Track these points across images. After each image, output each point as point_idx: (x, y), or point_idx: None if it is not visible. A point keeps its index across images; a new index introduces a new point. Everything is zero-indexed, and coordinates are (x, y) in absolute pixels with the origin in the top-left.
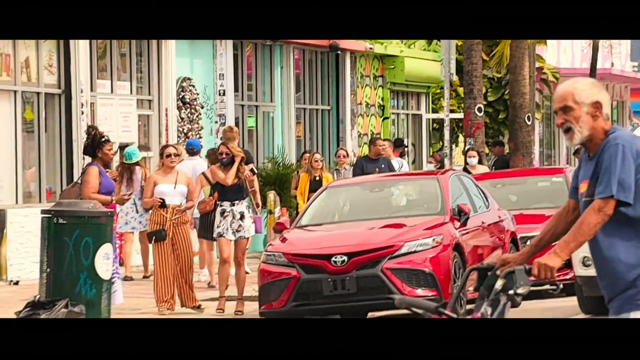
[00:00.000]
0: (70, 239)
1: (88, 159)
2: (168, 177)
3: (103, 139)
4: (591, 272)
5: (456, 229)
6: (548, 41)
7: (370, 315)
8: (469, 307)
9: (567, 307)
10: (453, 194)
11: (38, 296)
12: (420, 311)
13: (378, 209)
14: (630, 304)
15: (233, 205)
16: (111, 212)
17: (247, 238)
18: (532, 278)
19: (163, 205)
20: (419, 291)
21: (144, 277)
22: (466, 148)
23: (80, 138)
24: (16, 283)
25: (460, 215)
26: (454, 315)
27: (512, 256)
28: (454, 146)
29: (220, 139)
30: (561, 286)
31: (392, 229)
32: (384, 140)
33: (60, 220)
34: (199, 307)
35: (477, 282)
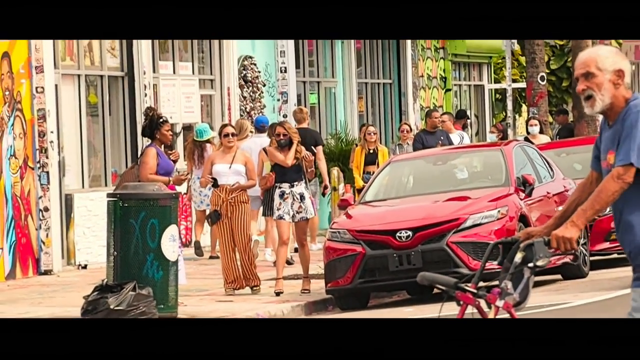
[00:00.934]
0: (137, 222)
1: (147, 141)
2: (226, 157)
3: (161, 120)
4: None
5: (521, 199)
6: None
7: (436, 290)
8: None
9: (582, 282)
10: (517, 165)
11: (106, 280)
12: (443, 288)
13: (442, 183)
14: None
15: (292, 186)
16: (176, 193)
17: (308, 219)
18: (551, 250)
19: (215, 185)
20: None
21: (211, 257)
22: (528, 117)
23: (144, 120)
24: (84, 267)
25: (525, 186)
26: (473, 291)
27: (537, 229)
28: (517, 116)
29: (283, 116)
30: (575, 256)
31: (456, 202)
32: (444, 113)
33: (126, 203)
34: (255, 287)
35: (501, 255)
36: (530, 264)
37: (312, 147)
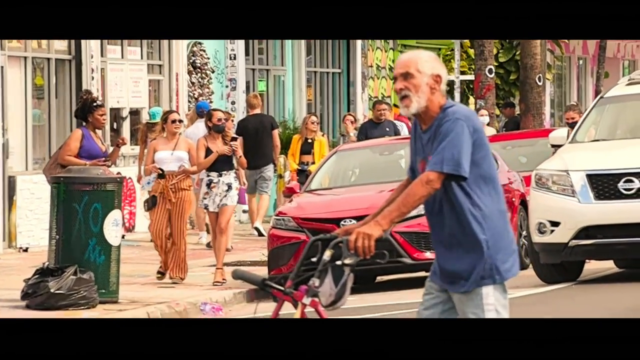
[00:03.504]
0: (80, 206)
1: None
2: (169, 144)
3: (95, 104)
4: (547, 238)
5: None
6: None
7: (379, 279)
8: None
9: (522, 276)
10: None
11: (47, 263)
12: (252, 284)
13: (387, 173)
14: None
15: (220, 175)
16: (120, 178)
17: (228, 205)
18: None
19: (161, 176)
20: (428, 254)
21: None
22: (476, 108)
23: None
24: (25, 250)
25: None
26: (280, 288)
27: (353, 226)
28: None
29: (232, 103)
30: (388, 255)
31: None
32: (381, 102)
33: (70, 187)
34: (176, 282)
35: (319, 253)
36: (339, 262)
37: (271, 131)
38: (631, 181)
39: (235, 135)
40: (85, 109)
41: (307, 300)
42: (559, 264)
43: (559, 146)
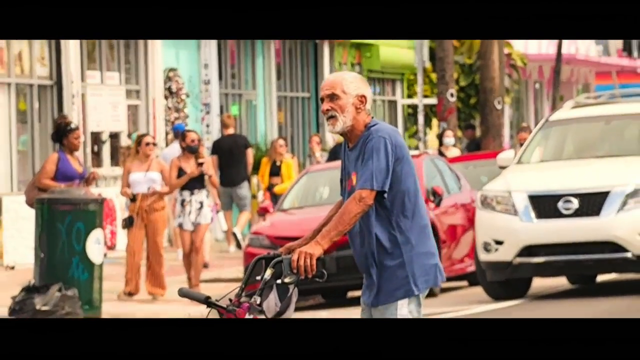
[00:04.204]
0: (63, 225)
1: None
2: (142, 165)
3: (69, 127)
4: (492, 256)
5: (431, 210)
6: None
7: (350, 295)
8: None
9: (471, 294)
10: (427, 176)
11: (33, 281)
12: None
13: None
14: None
15: (192, 194)
16: (102, 199)
17: (202, 224)
18: (295, 271)
19: (133, 200)
20: None
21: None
22: (442, 129)
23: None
24: (12, 268)
25: (435, 196)
26: (223, 306)
27: (296, 244)
28: (427, 130)
29: (206, 126)
30: (326, 275)
31: None
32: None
33: (53, 207)
34: (155, 297)
35: (263, 271)
36: (279, 281)
37: (244, 149)
38: (570, 201)
39: (202, 160)
40: (60, 133)
41: (249, 317)
42: (505, 281)
43: (507, 167)
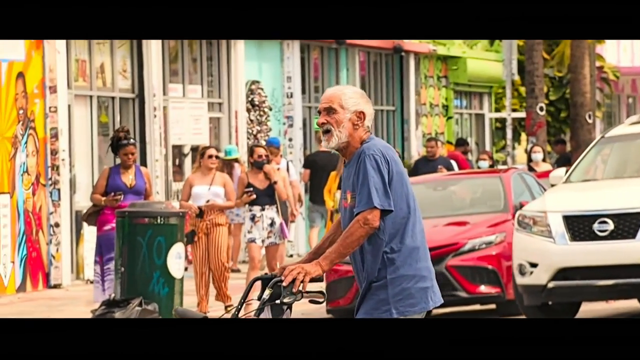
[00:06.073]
0: (144, 239)
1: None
2: (205, 179)
3: (121, 142)
4: (527, 280)
5: None
6: (608, 40)
7: (434, 312)
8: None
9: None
10: (516, 192)
11: (113, 295)
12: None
13: (440, 207)
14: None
15: (263, 209)
16: (183, 212)
17: (277, 244)
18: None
19: (200, 215)
20: (482, 288)
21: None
22: (530, 145)
23: (153, 141)
24: (92, 282)
25: None
26: None
27: (293, 265)
28: (516, 144)
29: (289, 140)
30: (326, 296)
31: (455, 227)
32: (434, 140)
33: (134, 221)
34: (228, 306)
35: (260, 291)
36: (278, 301)
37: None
38: (605, 222)
39: (249, 189)
40: (114, 146)
41: None
42: (546, 305)
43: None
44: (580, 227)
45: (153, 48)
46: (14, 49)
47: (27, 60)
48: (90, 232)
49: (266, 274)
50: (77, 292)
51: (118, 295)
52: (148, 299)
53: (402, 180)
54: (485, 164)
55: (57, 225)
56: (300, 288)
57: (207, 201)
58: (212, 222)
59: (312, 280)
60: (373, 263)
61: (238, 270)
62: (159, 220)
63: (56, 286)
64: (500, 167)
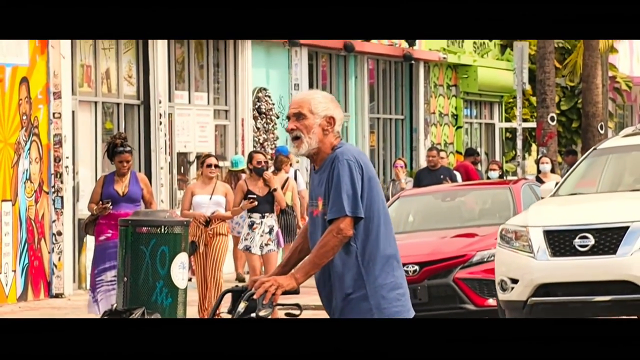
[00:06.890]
0: (147, 248)
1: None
2: (206, 188)
3: (116, 149)
4: (508, 296)
5: None
6: (621, 50)
7: None
8: None
9: None
10: (525, 204)
11: (115, 305)
12: None
13: (449, 219)
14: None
15: (263, 217)
16: (187, 221)
17: (276, 251)
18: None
19: (207, 224)
20: (491, 301)
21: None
22: (541, 154)
23: (158, 148)
24: None
25: None
26: None
27: (264, 277)
28: (526, 155)
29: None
30: (302, 309)
31: (464, 238)
32: (434, 149)
33: (137, 230)
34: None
35: (231, 304)
36: (253, 314)
37: None
38: (586, 237)
39: (252, 196)
40: (109, 153)
41: None
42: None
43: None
44: (561, 242)
45: (159, 53)
46: (18, 54)
47: (31, 65)
48: (92, 241)
49: (237, 286)
50: (79, 302)
51: (120, 305)
52: (151, 309)
53: (376, 186)
54: (495, 174)
55: (59, 233)
56: (272, 300)
57: (214, 212)
58: (213, 232)
59: (289, 292)
60: (347, 272)
61: (243, 280)
62: (162, 230)
63: (58, 295)
64: (510, 177)
